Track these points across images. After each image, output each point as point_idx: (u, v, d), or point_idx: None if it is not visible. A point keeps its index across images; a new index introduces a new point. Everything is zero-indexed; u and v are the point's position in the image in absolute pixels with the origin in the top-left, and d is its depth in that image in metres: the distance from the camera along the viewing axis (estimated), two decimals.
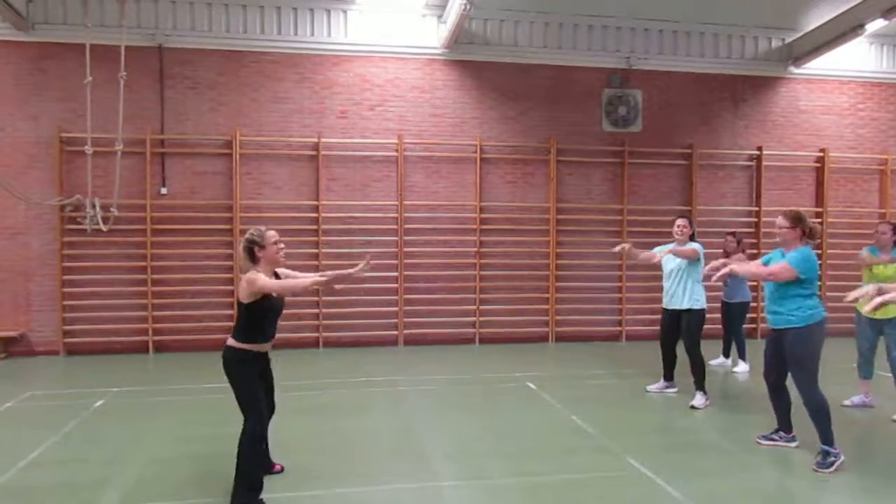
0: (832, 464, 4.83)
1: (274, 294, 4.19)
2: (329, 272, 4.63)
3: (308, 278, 4.38)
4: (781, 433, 5.39)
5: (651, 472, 4.79)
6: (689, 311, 6.72)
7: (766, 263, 5.22)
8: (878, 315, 6.23)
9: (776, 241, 5.21)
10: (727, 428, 6.00)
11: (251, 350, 4.20)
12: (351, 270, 4.65)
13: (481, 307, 10.42)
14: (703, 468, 4.97)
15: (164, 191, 9.60)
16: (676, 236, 6.90)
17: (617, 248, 7.08)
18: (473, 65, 10.39)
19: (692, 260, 6.68)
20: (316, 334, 10.02)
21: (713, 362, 8.13)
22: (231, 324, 4.36)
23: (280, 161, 9.93)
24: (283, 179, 9.94)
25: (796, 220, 5.04)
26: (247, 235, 4.27)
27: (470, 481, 4.67)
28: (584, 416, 6.24)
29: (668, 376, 7.19)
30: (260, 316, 4.19)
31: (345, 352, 9.70)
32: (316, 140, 9.88)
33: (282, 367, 8.15)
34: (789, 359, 5.02)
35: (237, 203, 9.63)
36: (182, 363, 8.76)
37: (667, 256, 6.89)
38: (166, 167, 9.65)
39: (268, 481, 4.44)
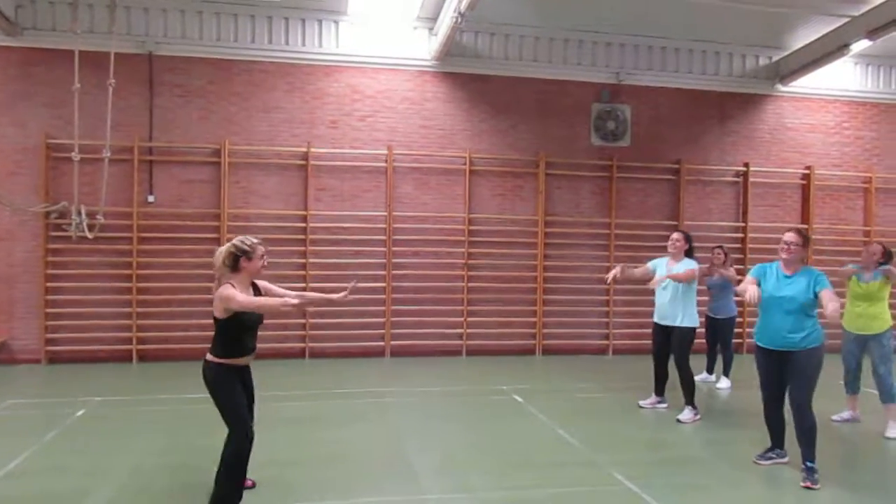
0: (818, 479, 4.84)
1: (247, 310, 4.07)
2: (309, 293, 4.55)
3: (281, 299, 4.13)
4: (778, 451, 5.38)
5: (637, 487, 4.78)
6: (681, 327, 6.71)
7: (759, 276, 5.18)
8: (863, 331, 6.31)
9: (767, 256, 5.23)
10: (714, 443, 6.00)
11: (230, 364, 4.11)
12: (334, 297, 4.58)
13: (469, 319, 10.40)
14: (690, 483, 4.96)
15: (151, 199, 9.53)
16: (670, 250, 6.88)
17: (609, 277, 6.99)
18: (464, 77, 10.42)
19: (689, 281, 6.68)
20: (302, 344, 9.95)
21: (697, 378, 8.14)
22: None
23: (269, 170, 9.90)
24: (271, 189, 9.90)
25: (807, 238, 5.16)
26: (236, 242, 4.15)
27: (455, 494, 4.64)
28: (571, 430, 6.22)
29: (660, 391, 7.17)
30: (237, 330, 4.09)
31: (331, 362, 9.64)
32: (305, 150, 9.86)
33: (267, 377, 8.10)
34: (799, 377, 4.96)
35: (224, 212, 9.58)
36: (166, 373, 8.67)
37: (661, 271, 6.85)
38: (154, 175, 9.58)
39: (250, 495, 4.40)
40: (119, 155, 9.20)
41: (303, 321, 9.91)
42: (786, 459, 5.31)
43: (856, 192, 11.72)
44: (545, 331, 10.65)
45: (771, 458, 5.37)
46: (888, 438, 6.15)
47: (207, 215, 9.65)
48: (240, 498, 4.11)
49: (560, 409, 7.05)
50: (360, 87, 10.13)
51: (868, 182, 11.64)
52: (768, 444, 5.41)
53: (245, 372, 4.29)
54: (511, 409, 7.11)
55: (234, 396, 4.11)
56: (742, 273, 10.65)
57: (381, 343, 10.16)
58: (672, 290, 6.74)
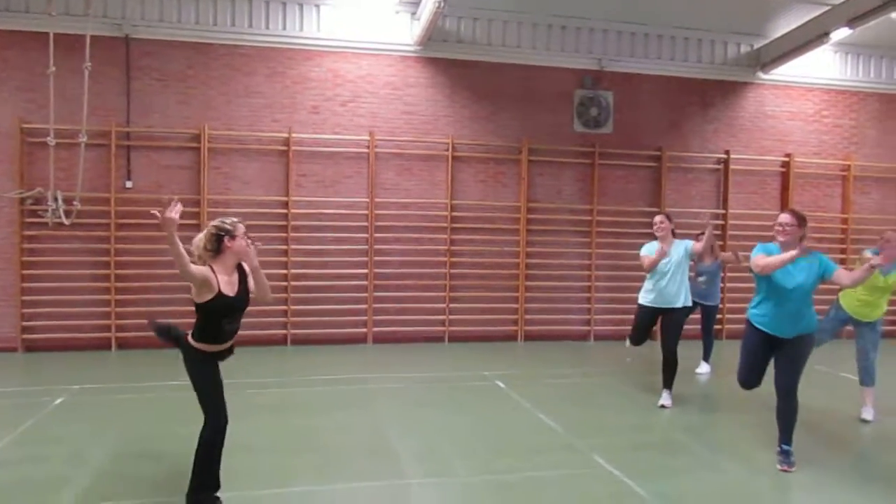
0: (794, 461, 4.92)
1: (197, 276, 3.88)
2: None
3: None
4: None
5: (617, 471, 4.82)
6: (683, 308, 6.66)
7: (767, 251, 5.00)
8: (860, 317, 6.29)
9: (745, 242, 5.23)
10: (693, 428, 6.07)
11: (207, 350, 4.04)
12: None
13: (451, 305, 10.41)
14: (670, 467, 5.01)
15: (129, 184, 9.40)
16: (658, 234, 6.69)
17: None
18: (446, 63, 10.37)
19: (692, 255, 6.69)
20: (284, 331, 9.91)
21: (700, 371, 8.26)
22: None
23: (249, 156, 9.80)
24: (252, 175, 9.81)
25: (803, 218, 5.00)
26: (215, 223, 4.05)
27: (437, 479, 4.65)
28: (552, 415, 6.26)
29: (668, 384, 6.82)
30: (215, 315, 3.98)
31: (313, 349, 9.61)
32: (286, 135, 9.77)
33: (248, 364, 8.10)
34: (796, 361, 4.92)
35: (204, 198, 9.48)
36: (145, 360, 8.59)
37: (670, 250, 6.59)
38: (131, 160, 9.44)
39: (230, 480, 4.37)
40: (96, 140, 9.06)
41: (284, 308, 9.87)
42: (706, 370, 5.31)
43: (834, 179, 11.84)
44: (527, 317, 10.69)
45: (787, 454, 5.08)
46: (864, 421, 6.26)
47: (187, 201, 9.49)
48: (217, 484, 4.09)
49: (542, 395, 7.09)
50: (341, 72, 10.04)
51: (846, 170, 11.76)
52: (747, 426, 5.46)
53: (225, 354, 4.19)
54: (493, 395, 7.13)
55: (209, 381, 4.06)
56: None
57: (364, 330, 10.14)
58: (676, 272, 6.60)
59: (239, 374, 7.27)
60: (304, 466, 4.82)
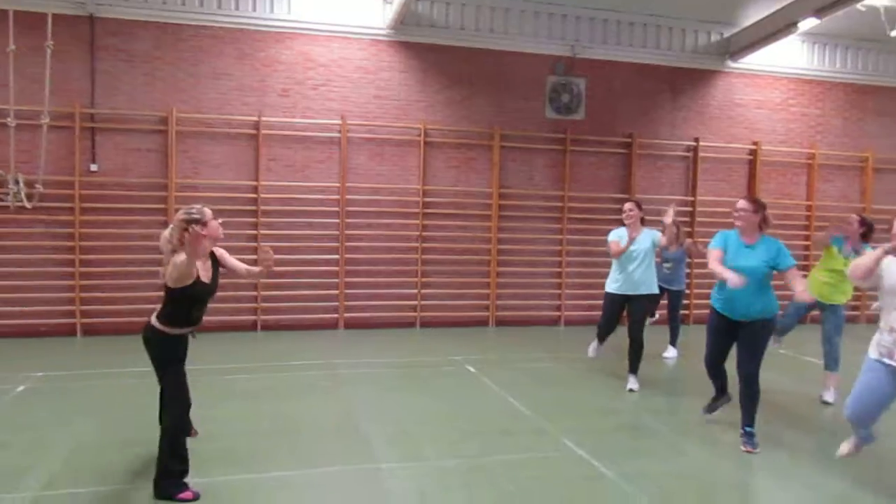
0: (757, 442, 5.05)
1: (195, 270, 3.94)
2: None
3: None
4: (721, 396, 5.59)
5: (586, 453, 4.89)
6: (648, 295, 6.76)
7: (724, 244, 5.11)
8: (823, 299, 6.41)
9: (713, 228, 5.31)
10: (660, 411, 6.17)
11: (174, 334, 4.06)
12: (255, 269, 4.53)
13: (423, 291, 10.41)
14: (638, 449, 5.10)
15: (94, 167, 9.20)
16: (626, 221, 6.74)
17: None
18: (419, 47, 10.30)
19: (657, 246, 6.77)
20: (254, 317, 9.83)
21: (666, 356, 8.37)
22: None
23: (218, 139, 9.65)
24: (221, 158, 9.66)
25: (761, 204, 5.08)
26: (183, 215, 4.01)
27: (408, 463, 4.67)
28: (522, 399, 6.32)
29: (634, 369, 6.94)
30: (188, 302, 4.03)
31: (284, 335, 9.55)
32: (256, 119, 9.64)
33: (218, 350, 8.04)
34: (753, 346, 5.03)
35: (172, 182, 9.32)
36: (111, 346, 8.47)
37: (625, 243, 6.70)
38: (96, 143, 9.24)
39: (202, 466, 4.35)
40: (59, 121, 8.83)
41: (254, 293, 9.78)
42: (731, 401, 5.48)
43: (800, 167, 12.05)
44: (498, 302, 10.74)
45: (716, 408, 5.57)
46: (825, 403, 6.42)
47: (154, 185, 9.38)
48: (186, 469, 4.06)
49: (512, 379, 7.15)
50: (312, 55, 9.92)
51: (811, 158, 11.98)
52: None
53: (188, 336, 4.22)
54: (464, 380, 7.17)
55: (175, 364, 4.10)
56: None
57: (335, 315, 10.10)
58: (644, 260, 6.69)
59: (209, 361, 7.23)
60: (276, 452, 4.80)
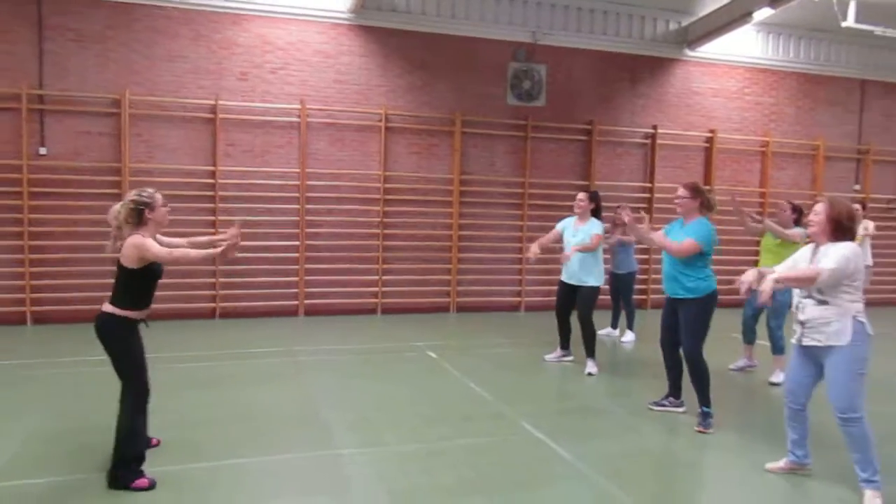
0: (711, 424, 5.17)
1: (162, 262, 4.03)
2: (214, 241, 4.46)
3: (206, 251, 4.26)
4: (671, 399, 5.68)
5: (544, 436, 4.96)
6: (587, 287, 6.89)
7: (666, 234, 5.48)
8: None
9: (671, 215, 5.45)
10: (617, 393, 6.29)
11: (134, 317, 4.03)
12: (215, 251, 4.20)
13: (384, 277, 10.39)
14: (594, 431, 5.19)
15: (43, 151, 8.92)
16: (576, 211, 7.02)
17: (531, 257, 7.00)
18: (380, 31, 10.20)
19: (593, 248, 6.83)
20: (212, 304, 9.69)
21: (601, 332, 8.45)
22: None
23: (174, 123, 9.44)
24: (177, 143, 9.46)
25: (696, 191, 5.34)
26: (133, 197, 4.04)
27: (368, 449, 4.67)
28: (483, 384, 6.37)
29: (564, 345, 7.43)
30: (147, 282, 4.05)
31: (243, 322, 9.44)
32: (213, 102, 9.45)
33: (175, 338, 7.91)
34: (683, 327, 5.26)
35: (126, 166, 9.09)
36: (63, 334, 8.27)
37: (568, 232, 7.04)
38: (45, 126, 8.95)
39: (158, 455, 4.30)
40: (5, 103, 8.57)
41: (212, 280, 9.64)
42: (681, 409, 5.60)
43: (754, 155, 12.33)
44: (459, 288, 10.78)
45: (663, 406, 5.67)
46: (772, 384, 6.62)
47: (106, 169, 9.14)
48: (142, 456, 4.01)
49: (473, 364, 7.20)
50: (270, 38, 9.74)
51: (765, 146, 12.26)
52: (666, 391, 5.71)
53: (146, 319, 4.19)
54: (425, 366, 7.20)
55: (135, 349, 4.07)
56: None
57: (295, 302, 10.02)
58: (580, 253, 6.87)
59: (166, 349, 7.11)
60: (236, 439, 4.76)
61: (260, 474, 4.21)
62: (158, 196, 4.13)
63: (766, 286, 3.98)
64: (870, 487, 3.90)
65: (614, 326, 8.97)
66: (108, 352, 4.02)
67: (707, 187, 11.27)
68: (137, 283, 4.00)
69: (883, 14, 10.10)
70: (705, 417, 5.20)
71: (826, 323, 3.95)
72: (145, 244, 3.91)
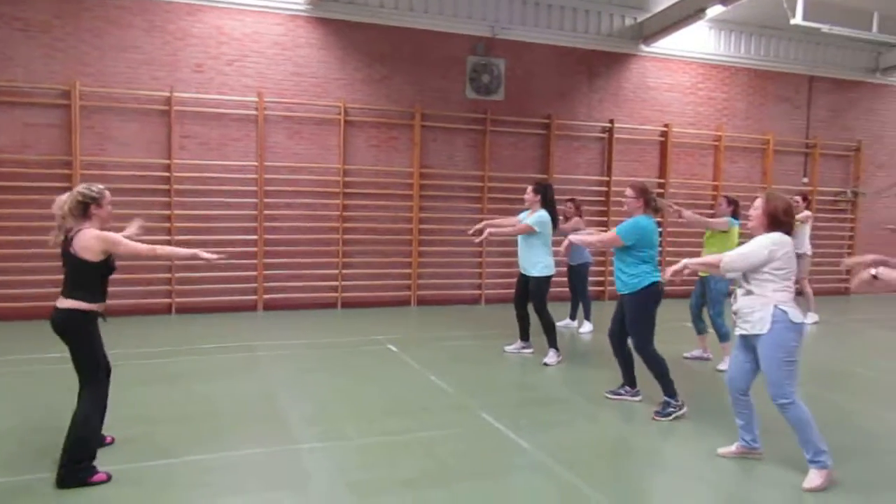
0: (670, 413, 5.29)
1: (133, 257, 4.14)
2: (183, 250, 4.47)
3: (190, 251, 4.31)
4: (627, 388, 5.80)
5: (504, 427, 5.03)
6: (536, 277, 7.03)
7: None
8: (702, 274, 6.92)
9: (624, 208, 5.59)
10: (576, 383, 6.40)
11: (95, 311, 4.03)
12: (186, 251, 4.42)
13: (344, 271, 10.35)
14: (553, 421, 5.27)
15: None
16: (526, 204, 7.26)
17: (477, 236, 7.34)
18: (338, 24, 10.12)
19: (530, 233, 7.00)
20: (168, 300, 9.53)
21: (559, 324, 8.56)
22: None
23: (127, 115, 9.22)
24: (130, 135, 9.25)
25: (641, 191, 5.47)
26: (82, 190, 4.05)
27: (328, 442, 4.67)
28: (443, 376, 6.41)
29: (524, 337, 7.52)
30: (104, 276, 4.07)
31: (200, 318, 9.31)
32: (168, 94, 9.26)
33: (131, 334, 7.77)
34: (630, 320, 5.42)
35: (77, 159, 8.86)
36: (14, 332, 8.03)
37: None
38: None
39: (113, 453, 4.23)
40: None
41: (168, 275, 9.47)
42: (637, 398, 5.72)
43: (707, 149, 12.61)
44: (420, 282, 10.81)
45: (619, 395, 5.79)
46: (719, 371, 6.82)
47: (57, 162, 8.89)
48: (94, 454, 3.97)
49: (433, 357, 7.24)
50: (226, 29, 9.59)
51: (718, 140, 12.54)
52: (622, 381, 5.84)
53: (103, 313, 4.20)
54: (385, 359, 7.21)
55: (96, 344, 4.05)
56: (604, 225, 11.29)
57: (254, 297, 9.92)
58: (524, 242, 7.09)
59: (122, 346, 6.96)
60: (194, 436, 4.71)
61: (218, 470, 4.18)
62: (107, 193, 4.14)
63: (675, 267, 4.33)
64: (814, 467, 4.07)
65: (573, 318, 9.11)
66: (70, 347, 3.98)
67: (659, 191, 11.58)
68: (95, 276, 4.01)
69: (830, 12, 10.42)
70: (665, 406, 5.32)
71: (750, 312, 4.13)
72: (114, 238, 4.01)
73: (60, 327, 3.96)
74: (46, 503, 3.71)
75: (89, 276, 3.99)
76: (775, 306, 4.05)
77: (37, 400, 5.43)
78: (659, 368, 5.37)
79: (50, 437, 4.29)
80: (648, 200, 5.44)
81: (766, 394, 4.15)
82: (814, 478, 4.04)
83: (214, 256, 4.30)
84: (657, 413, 5.32)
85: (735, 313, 4.25)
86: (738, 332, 4.26)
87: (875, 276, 3.79)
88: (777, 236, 4.10)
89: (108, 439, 4.42)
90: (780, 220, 4.14)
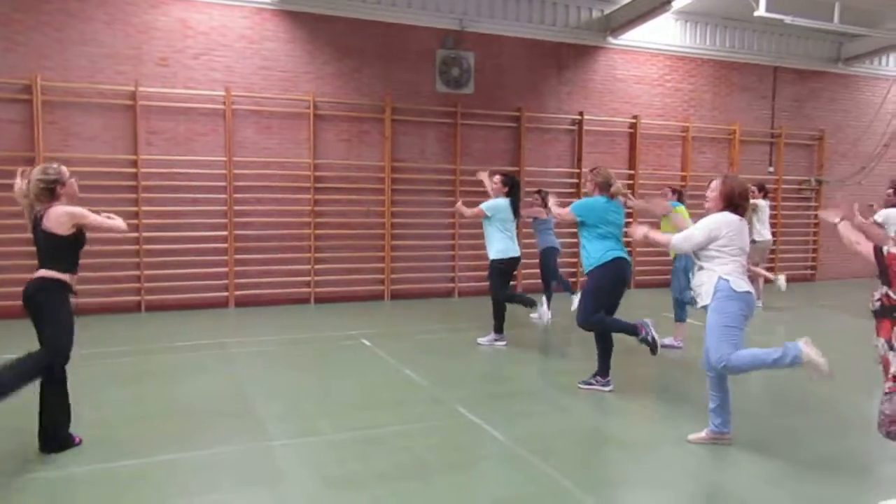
0: (592, 384, 5.76)
1: (98, 230, 4.34)
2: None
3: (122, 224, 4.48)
4: (598, 377, 5.86)
5: (478, 419, 5.06)
6: (490, 260, 7.39)
7: None
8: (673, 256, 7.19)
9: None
10: (548, 375, 6.47)
11: (67, 282, 4.18)
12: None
13: (316, 266, 10.30)
14: (526, 412, 5.32)
15: None
16: (491, 195, 7.58)
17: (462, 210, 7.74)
18: (305, 17, 10.03)
19: (482, 217, 7.41)
20: (137, 297, 9.39)
21: (532, 315, 8.62)
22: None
23: (91, 110, 9.05)
24: (95, 131, 9.08)
25: (592, 173, 5.91)
26: (40, 176, 4.18)
27: (302, 438, 4.66)
28: (417, 370, 6.42)
29: (498, 329, 7.54)
30: (76, 248, 4.24)
31: (170, 315, 9.19)
32: (132, 89, 9.10)
33: (99, 333, 7.65)
34: (581, 293, 5.77)
35: (40, 155, 8.66)
36: None
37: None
38: None
39: (84, 453, 4.18)
40: None
41: (137, 273, 9.33)
42: (608, 388, 5.77)
43: (675, 140, 12.76)
44: (393, 276, 10.79)
45: (591, 385, 5.84)
46: (663, 346, 6.98)
47: (19, 159, 8.63)
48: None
49: (407, 351, 7.25)
50: (191, 23, 9.44)
51: (685, 131, 12.71)
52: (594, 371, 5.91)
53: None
54: (359, 354, 7.20)
55: (69, 314, 4.20)
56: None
57: (225, 294, 9.82)
58: (486, 227, 7.46)
59: (91, 345, 6.85)
60: (165, 435, 4.65)
61: (192, 469, 4.15)
62: (64, 169, 4.30)
63: (638, 231, 4.88)
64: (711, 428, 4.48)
65: (548, 307, 9.11)
66: (40, 315, 4.09)
67: (628, 182, 11.71)
68: (67, 248, 4.18)
69: (792, 3, 10.59)
70: (592, 377, 5.77)
71: (700, 285, 4.44)
72: (81, 212, 4.18)
73: (30, 294, 4.10)
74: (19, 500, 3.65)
75: (62, 249, 4.16)
76: (719, 277, 4.29)
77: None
78: (604, 343, 5.69)
79: (19, 439, 4.21)
80: (600, 184, 5.74)
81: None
82: (706, 436, 4.52)
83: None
84: (583, 382, 5.77)
85: (692, 290, 4.58)
86: (697, 306, 4.60)
87: (836, 224, 4.11)
88: (720, 216, 4.39)
89: (77, 440, 4.37)
90: (734, 203, 4.40)
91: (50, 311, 4.12)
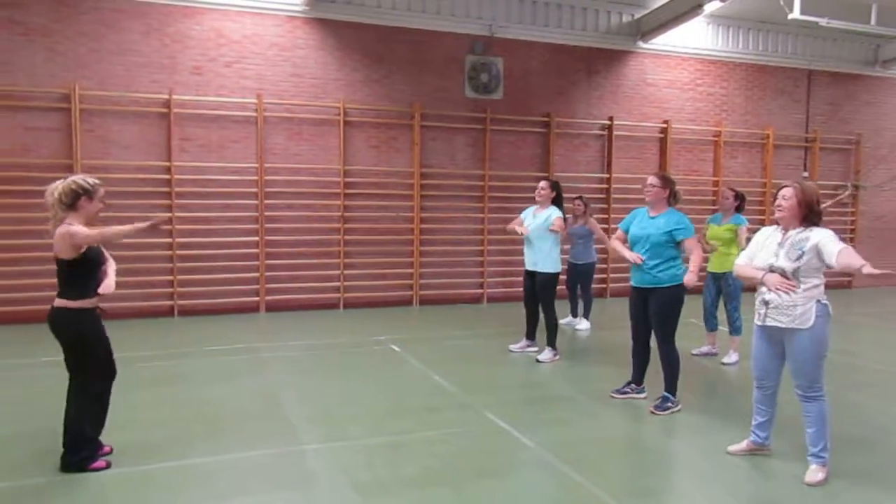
0: (668, 409, 5.32)
1: (93, 244, 4.04)
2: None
3: (130, 226, 4.05)
4: (633, 385, 5.77)
5: (508, 425, 5.03)
6: (542, 273, 7.00)
7: (627, 225, 5.58)
8: (716, 270, 6.98)
9: (628, 205, 5.56)
10: (578, 381, 6.40)
11: (86, 306, 4.01)
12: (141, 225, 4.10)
13: (346, 272, 10.36)
14: (556, 419, 5.28)
15: None
16: (537, 199, 7.17)
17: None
18: (336, 24, 10.12)
19: (558, 233, 6.92)
20: (170, 302, 9.53)
21: (562, 321, 8.55)
22: None
23: (127, 118, 9.23)
24: (131, 138, 9.25)
25: (667, 181, 5.42)
26: (77, 180, 4.04)
27: (333, 443, 4.68)
28: (446, 376, 6.42)
29: (530, 335, 7.48)
30: (87, 270, 4.02)
31: (202, 320, 9.31)
32: (167, 97, 9.27)
33: (131, 337, 7.77)
34: (657, 313, 5.34)
35: (78, 163, 8.86)
36: (15, 336, 8.03)
37: (528, 220, 7.17)
38: None
39: (117, 456, 4.24)
40: None
41: (170, 278, 9.48)
42: (643, 395, 5.71)
43: (707, 145, 12.60)
44: (422, 281, 10.81)
45: (625, 393, 5.77)
46: (724, 364, 6.88)
47: (59, 166, 8.87)
48: (93, 442, 4.13)
49: (436, 357, 7.24)
50: (225, 32, 9.59)
51: (717, 136, 12.54)
52: (626, 377, 5.82)
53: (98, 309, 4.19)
54: (389, 359, 7.21)
55: (103, 340, 4.09)
56: (605, 222, 11.27)
57: (256, 298, 9.92)
58: (536, 240, 6.99)
59: (124, 348, 6.91)
60: (197, 438, 4.71)
61: (223, 472, 4.19)
62: (101, 190, 4.10)
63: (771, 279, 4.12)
64: (817, 462, 4.11)
65: (574, 314, 9.08)
66: (62, 344, 4.01)
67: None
68: (78, 272, 3.98)
69: (827, 6, 10.41)
70: (663, 401, 5.37)
71: (792, 305, 4.02)
72: (71, 230, 3.87)
73: (51, 325, 4.01)
74: None
75: (71, 273, 3.98)
76: (818, 301, 4.03)
77: (33, 405, 5.42)
78: (675, 364, 5.39)
79: (58, 441, 4.29)
80: (672, 191, 5.38)
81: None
82: (817, 472, 4.05)
83: (146, 224, 4.01)
84: (656, 407, 5.35)
85: (767, 304, 4.10)
86: (769, 323, 4.12)
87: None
88: (830, 231, 4.03)
89: (107, 449, 4.29)
90: (815, 210, 4.05)
91: (80, 342, 4.00)
